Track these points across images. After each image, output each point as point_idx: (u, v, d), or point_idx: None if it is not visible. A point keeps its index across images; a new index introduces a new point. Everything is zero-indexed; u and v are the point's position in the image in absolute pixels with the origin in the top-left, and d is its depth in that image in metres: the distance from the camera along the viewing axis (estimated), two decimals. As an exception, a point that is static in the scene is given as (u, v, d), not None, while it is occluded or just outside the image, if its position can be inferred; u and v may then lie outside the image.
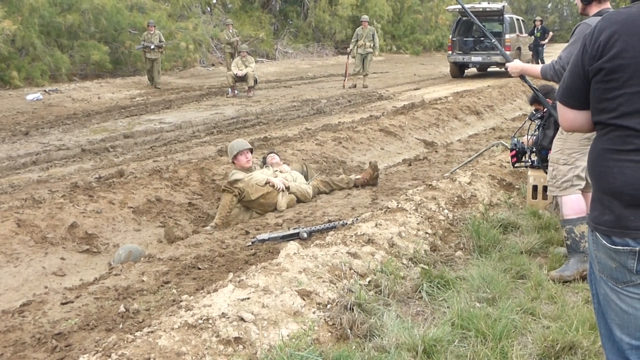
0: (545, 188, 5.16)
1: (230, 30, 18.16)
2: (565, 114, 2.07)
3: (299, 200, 6.32)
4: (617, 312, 1.89)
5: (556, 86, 4.53)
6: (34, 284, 4.65)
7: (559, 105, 2.10)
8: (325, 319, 3.07)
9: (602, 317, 1.98)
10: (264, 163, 6.74)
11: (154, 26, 17.04)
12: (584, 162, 3.83)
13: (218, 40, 22.07)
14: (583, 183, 3.92)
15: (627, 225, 1.80)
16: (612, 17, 1.89)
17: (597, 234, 1.89)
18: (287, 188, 6.22)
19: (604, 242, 1.86)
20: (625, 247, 1.81)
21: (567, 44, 3.82)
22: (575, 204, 3.88)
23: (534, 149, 4.92)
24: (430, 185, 5.36)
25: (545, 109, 4.48)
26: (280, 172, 6.48)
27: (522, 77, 4.26)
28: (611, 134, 1.87)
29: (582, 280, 3.79)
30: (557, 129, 4.13)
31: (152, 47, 16.58)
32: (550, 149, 4.29)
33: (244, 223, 5.78)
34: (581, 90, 1.96)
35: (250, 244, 4.98)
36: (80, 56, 18.27)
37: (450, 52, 19.38)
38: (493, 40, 4.81)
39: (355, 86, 16.45)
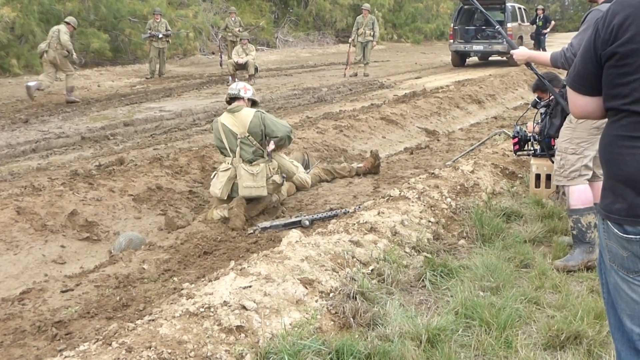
0: (548, 177, 5.13)
1: (233, 19, 18.04)
2: (576, 101, 2.02)
3: (297, 189, 6.29)
4: (628, 302, 1.86)
5: (561, 75, 4.48)
6: (34, 272, 4.62)
7: (569, 91, 2.05)
8: (327, 308, 3.04)
9: (611, 307, 1.95)
10: None
11: (160, 14, 16.60)
12: (592, 152, 3.79)
13: (218, 28, 21.91)
14: (590, 173, 3.88)
15: (640, 214, 1.76)
16: (625, 0, 1.85)
17: (609, 222, 1.85)
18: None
19: (616, 230, 1.82)
20: (637, 236, 1.77)
21: (577, 32, 3.76)
22: (582, 194, 3.85)
23: (537, 138, 4.87)
24: (432, 173, 5.32)
25: (552, 97, 4.43)
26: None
27: (528, 64, 4.20)
28: (624, 120, 1.83)
29: (587, 271, 3.77)
30: (564, 117, 4.09)
31: (160, 36, 16.11)
32: (555, 137, 4.25)
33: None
34: (593, 76, 1.91)
35: (251, 232, 4.96)
36: (79, 44, 18.11)
37: (451, 40, 19.26)
38: (497, 27, 4.75)
39: (356, 75, 16.37)
